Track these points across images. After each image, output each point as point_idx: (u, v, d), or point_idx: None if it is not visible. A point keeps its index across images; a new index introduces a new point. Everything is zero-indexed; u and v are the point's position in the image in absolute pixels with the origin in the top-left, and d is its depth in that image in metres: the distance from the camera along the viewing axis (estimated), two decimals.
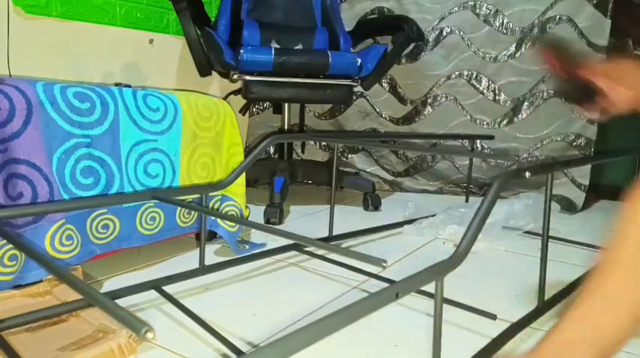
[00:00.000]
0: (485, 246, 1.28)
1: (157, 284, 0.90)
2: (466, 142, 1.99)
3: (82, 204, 0.83)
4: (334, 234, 1.26)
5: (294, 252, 1.17)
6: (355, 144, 1.23)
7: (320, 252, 1.13)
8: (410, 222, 1.42)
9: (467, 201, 1.79)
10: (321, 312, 0.86)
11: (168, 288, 0.90)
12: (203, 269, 0.98)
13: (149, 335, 0.36)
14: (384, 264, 0.49)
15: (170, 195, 0.95)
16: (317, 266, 1.10)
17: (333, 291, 0.97)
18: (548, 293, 0.87)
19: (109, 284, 0.96)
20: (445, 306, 0.87)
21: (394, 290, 0.47)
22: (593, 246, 1.27)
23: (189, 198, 1.09)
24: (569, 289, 0.94)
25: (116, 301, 0.75)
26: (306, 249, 1.17)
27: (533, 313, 0.83)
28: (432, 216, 1.43)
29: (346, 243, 1.29)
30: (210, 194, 1.15)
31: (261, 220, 1.46)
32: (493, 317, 0.84)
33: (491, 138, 1.85)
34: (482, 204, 0.62)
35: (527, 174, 0.70)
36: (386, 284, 0.92)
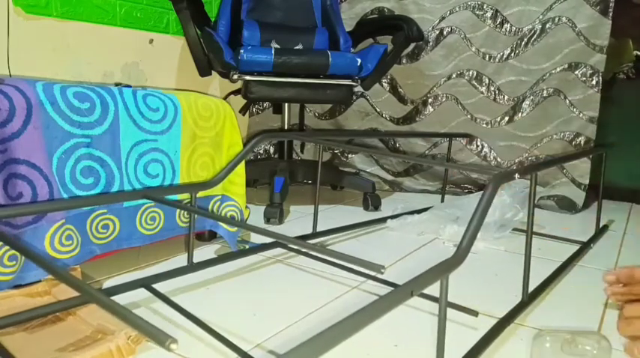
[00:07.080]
0: (485, 246, 1.28)
1: (145, 283, 0.90)
2: (465, 141, 1.99)
3: (74, 204, 0.83)
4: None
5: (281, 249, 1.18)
6: (338, 146, 1.26)
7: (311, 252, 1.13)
8: (394, 217, 1.45)
9: (442, 201, 1.82)
10: (314, 311, 0.86)
11: (158, 286, 0.90)
12: (191, 267, 0.99)
13: (173, 346, 0.36)
14: (382, 270, 0.50)
15: (161, 194, 0.96)
16: (303, 262, 1.11)
17: (324, 289, 0.96)
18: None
19: (109, 285, 0.96)
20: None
21: (409, 288, 0.49)
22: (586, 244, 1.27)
23: (184, 198, 1.09)
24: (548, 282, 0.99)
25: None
26: (291, 246, 1.17)
27: (517, 307, 0.86)
28: (417, 211, 1.46)
29: (334, 239, 1.29)
30: (210, 194, 1.15)
31: (261, 220, 1.46)
32: (475, 313, 0.84)
33: (467, 136, 1.92)
34: (479, 203, 0.65)
35: (517, 176, 0.77)
36: (382, 285, 0.93)
